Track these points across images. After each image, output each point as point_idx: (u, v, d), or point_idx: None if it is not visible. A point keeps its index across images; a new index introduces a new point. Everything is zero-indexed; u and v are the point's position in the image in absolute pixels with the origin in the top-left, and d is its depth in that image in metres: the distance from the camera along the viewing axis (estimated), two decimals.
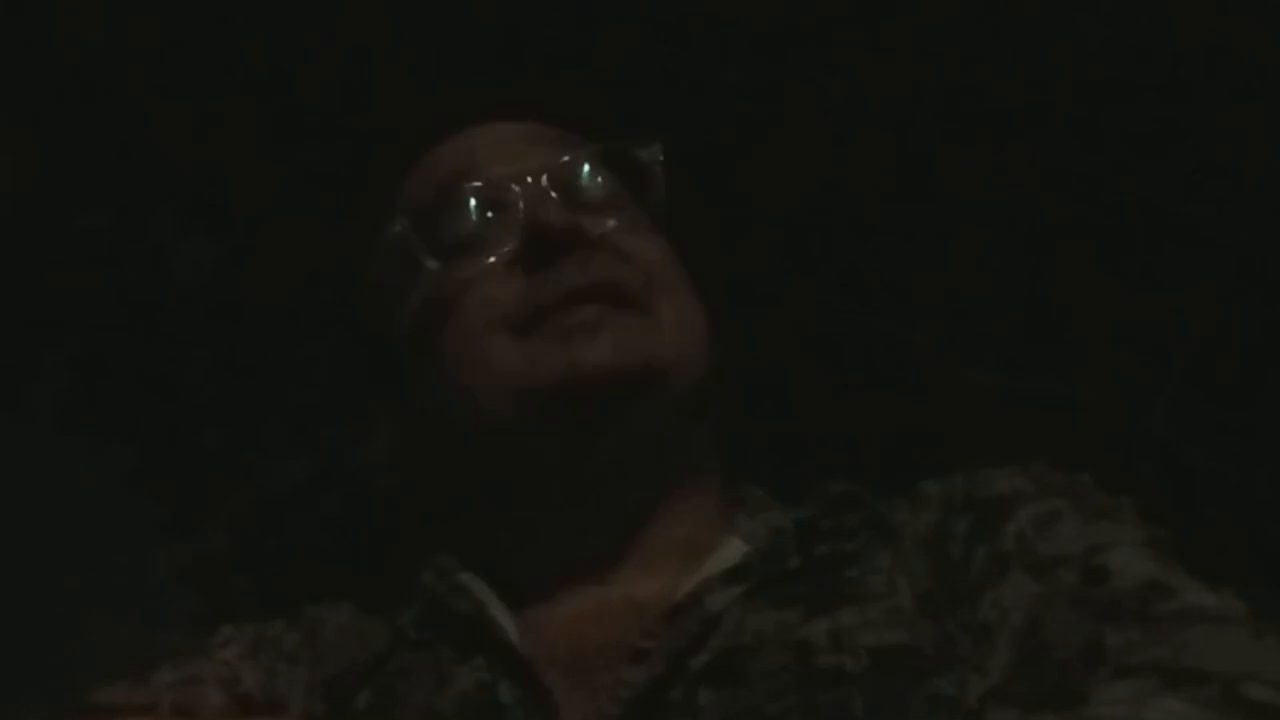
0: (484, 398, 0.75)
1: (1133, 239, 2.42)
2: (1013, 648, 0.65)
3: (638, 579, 0.74)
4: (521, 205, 0.76)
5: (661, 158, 0.82)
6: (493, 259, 0.76)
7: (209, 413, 3.01)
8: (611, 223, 0.78)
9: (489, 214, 0.78)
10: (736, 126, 2.40)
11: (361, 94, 2.50)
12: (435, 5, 2.44)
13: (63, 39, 2.59)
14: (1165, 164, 2.37)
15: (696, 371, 0.76)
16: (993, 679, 0.64)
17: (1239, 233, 2.36)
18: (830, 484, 0.78)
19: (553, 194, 0.77)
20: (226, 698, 0.74)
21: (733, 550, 0.74)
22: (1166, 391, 2.40)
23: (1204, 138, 2.36)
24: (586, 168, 0.80)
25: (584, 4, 2.44)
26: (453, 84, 2.36)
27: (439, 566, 0.76)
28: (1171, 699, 0.58)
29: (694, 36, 2.44)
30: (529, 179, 0.77)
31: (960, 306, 2.50)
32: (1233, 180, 2.36)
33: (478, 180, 0.78)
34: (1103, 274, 2.42)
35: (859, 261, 2.51)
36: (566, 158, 0.79)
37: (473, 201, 0.78)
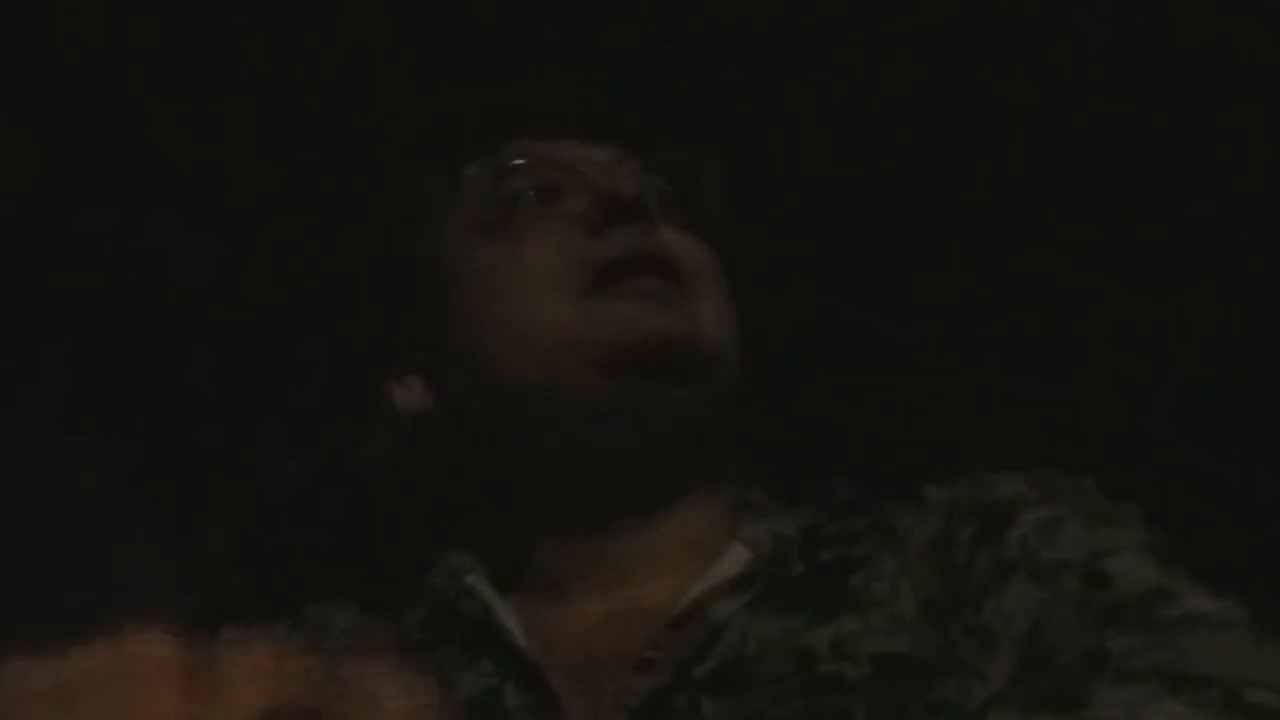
0: (532, 353, 0.75)
1: (1133, 239, 2.42)
2: (1015, 653, 0.65)
3: (644, 582, 0.74)
4: (590, 176, 0.77)
5: (718, 174, 0.83)
6: (557, 220, 0.77)
7: (209, 413, 3.01)
8: (669, 219, 0.78)
9: (556, 182, 0.78)
10: (736, 126, 2.40)
11: (362, 94, 2.50)
12: (436, 5, 2.44)
13: (63, 39, 2.59)
14: (1165, 164, 2.37)
15: (731, 370, 0.77)
16: (994, 685, 0.64)
17: (1239, 233, 2.36)
18: (835, 488, 0.79)
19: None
20: None
21: (737, 557, 0.74)
22: (1166, 391, 2.40)
23: (1204, 138, 2.36)
24: (654, 165, 0.81)
25: (584, 4, 2.44)
26: (453, 84, 2.36)
27: (448, 568, 0.76)
28: (1173, 703, 0.58)
29: (694, 36, 2.44)
30: (598, 160, 0.78)
31: (960, 306, 2.50)
32: (1233, 180, 2.36)
33: (545, 159, 0.79)
34: (1103, 274, 2.42)
35: (859, 261, 2.51)
36: (631, 158, 0.80)
37: (537, 169, 0.79)
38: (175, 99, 2.57)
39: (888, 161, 2.43)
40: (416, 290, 0.82)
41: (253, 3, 2.51)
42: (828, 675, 0.65)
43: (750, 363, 0.81)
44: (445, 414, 0.80)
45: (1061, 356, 2.47)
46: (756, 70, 2.44)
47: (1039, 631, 0.65)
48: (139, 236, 2.84)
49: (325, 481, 3.03)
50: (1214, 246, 2.38)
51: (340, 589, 0.83)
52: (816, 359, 2.48)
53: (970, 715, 0.63)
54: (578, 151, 0.79)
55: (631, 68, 2.44)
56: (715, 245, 0.81)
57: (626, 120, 0.87)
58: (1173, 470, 2.36)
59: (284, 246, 2.66)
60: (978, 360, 2.44)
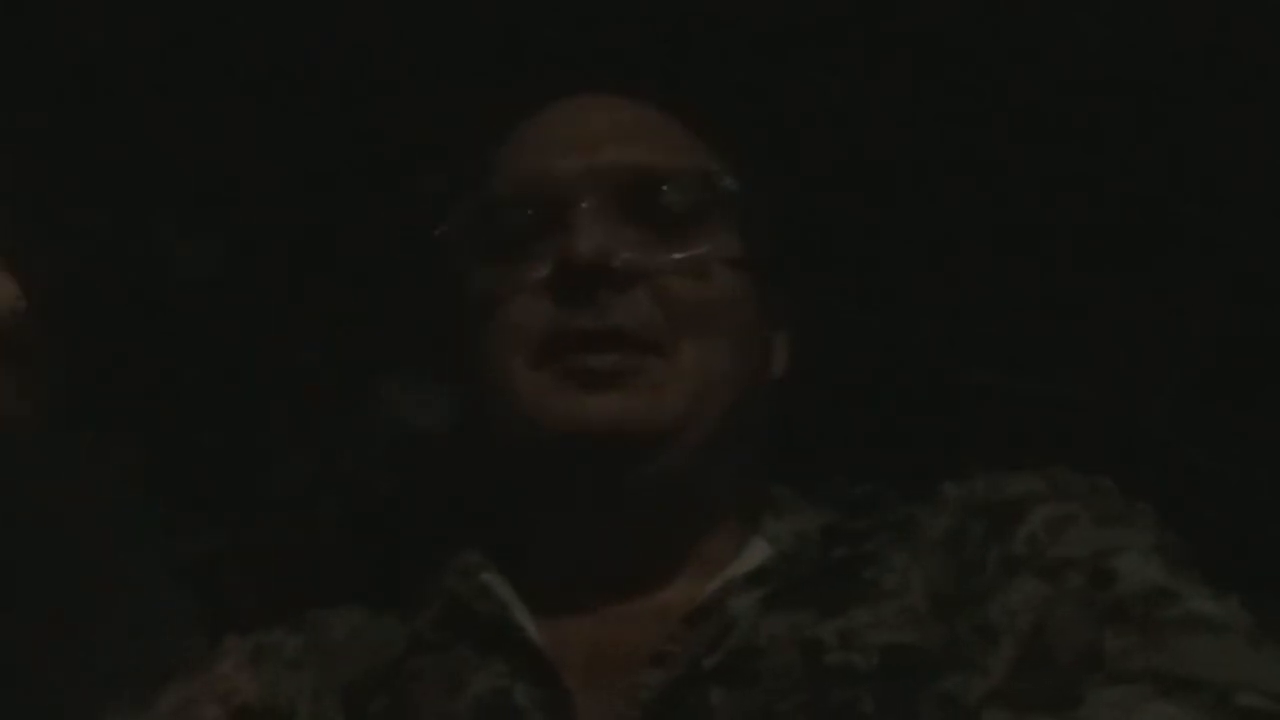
0: (504, 417, 0.76)
1: (1133, 239, 2.42)
2: (1018, 649, 0.65)
3: (660, 585, 0.75)
4: (570, 219, 0.75)
5: (755, 189, 0.82)
6: (531, 274, 0.76)
7: (209, 413, 3.01)
8: (667, 253, 0.76)
9: (544, 217, 0.76)
10: (735, 126, 2.39)
11: (364, 93, 2.50)
12: (437, 4, 2.44)
13: (63, 39, 2.58)
14: (1166, 164, 2.37)
15: (715, 415, 0.76)
16: (995, 680, 0.64)
17: (1239, 233, 2.36)
18: (856, 485, 0.79)
19: (616, 203, 0.75)
20: (222, 712, 0.74)
21: (757, 552, 0.75)
22: (1166, 391, 2.39)
23: (1204, 138, 2.36)
24: (668, 178, 0.78)
25: (585, 4, 2.43)
26: (454, 83, 2.36)
27: (462, 567, 0.77)
28: (1164, 705, 0.58)
29: (694, 36, 2.44)
30: (595, 183, 0.76)
31: (960, 306, 2.50)
32: (1233, 180, 2.36)
33: (545, 174, 0.78)
34: (1103, 274, 2.42)
35: (859, 261, 2.51)
36: (648, 164, 0.77)
37: (529, 205, 0.77)
38: (175, 99, 2.57)
39: (887, 161, 2.43)
40: (428, 295, 0.83)
41: (253, 2, 2.51)
42: (835, 666, 0.66)
43: (777, 371, 0.81)
44: (460, 418, 0.81)
45: (1061, 356, 2.46)
46: (755, 70, 2.43)
47: (1042, 628, 0.65)
48: (139, 236, 2.83)
49: (325, 481, 3.03)
50: (1214, 246, 2.38)
51: (340, 589, 0.83)
52: (815, 359, 2.48)
53: (970, 709, 0.64)
54: (572, 163, 0.78)
55: (631, 68, 2.44)
56: (750, 249, 0.79)
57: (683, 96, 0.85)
58: (1173, 470, 2.36)
59: (284, 246, 2.66)
60: (978, 360, 2.43)
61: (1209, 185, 2.37)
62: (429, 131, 2.19)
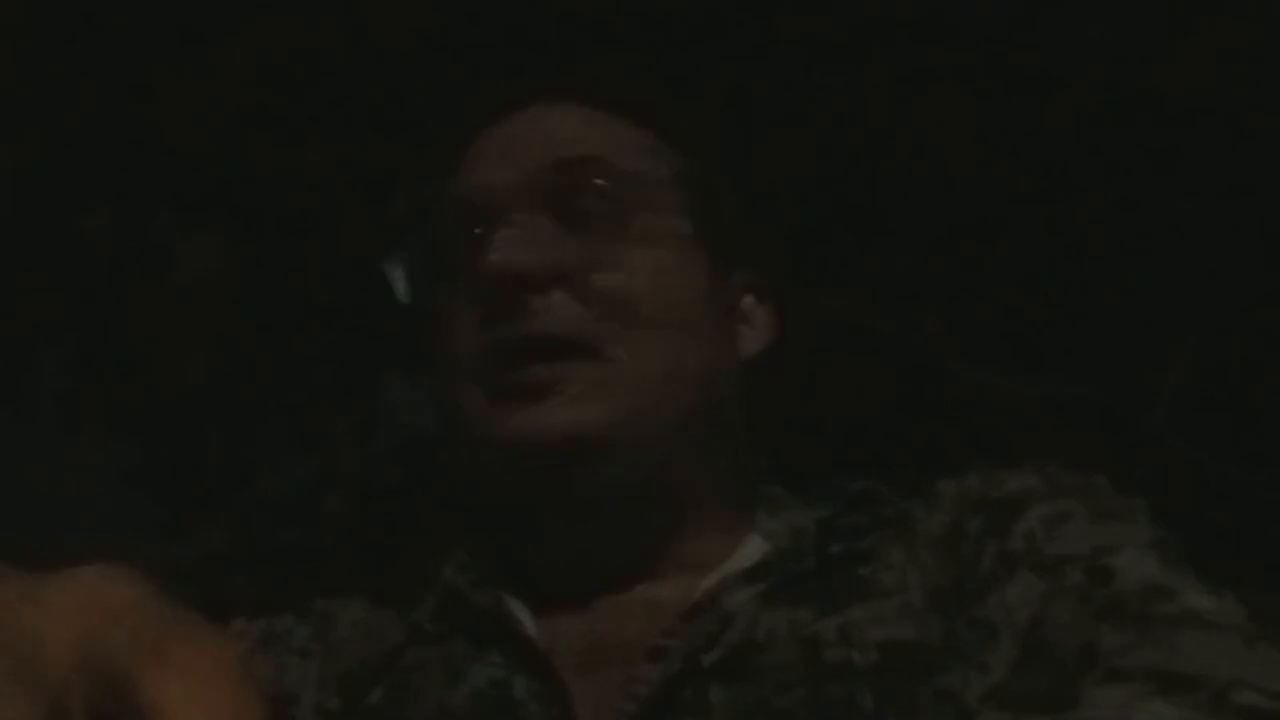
0: (457, 435, 0.76)
1: (1133, 239, 2.42)
2: (1016, 646, 0.65)
3: (653, 580, 0.75)
4: (500, 232, 0.74)
5: (702, 157, 0.81)
6: (466, 293, 0.76)
7: (209, 413, 3.01)
8: (595, 250, 0.75)
9: (484, 234, 0.76)
10: (736, 126, 2.40)
11: (364, 92, 2.50)
12: (439, 4, 2.44)
13: (62, 38, 2.58)
14: (1166, 164, 2.37)
15: (663, 406, 0.74)
16: (994, 677, 0.64)
17: (1239, 233, 2.36)
18: (852, 483, 0.79)
19: (546, 207, 0.75)
20: None
21: (753, 549, 0.75)
22: (1166, 391, 2.40)
23: (1205, 138, 2.36)
24: (598, 170, 0.77)
25: (586, 5, 2.44)
26: (455, 81, 2.36)
27: (460, 560, 0.77)
28: (1161, 703, 0.58)
29: (693, 36, 2.44)
30: (527, 190, 0.76)
31: (960, 306, 2.50)
32: (1233, 180, 2.36)
33: (480, 190, 0.77)
34: (1103, 274, 2.42)
35: (859, 261, 2.51)
36: (576, 156, 0.77)
37: (472, 223, 0.77)
38: (175, 98, 2.57)
39: (887, 161, 2.43)
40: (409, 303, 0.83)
41: (253, 2, 2.51)
42: (834, 662, 0.65)
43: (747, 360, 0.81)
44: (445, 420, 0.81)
45: (1062, 356, 2.47)
46: (754, 71, 2.43)
47: (1039, 624, 0.65)
48: (139, 236, 2.84)
49: (325, 481, 3.03)
50: (1214, 246, 2.38)
51: (339, 589, 0.83)
52: (816, 359, 2.48)
53: (968, 707, 0.63)
54: (505, 175, 0.77)
55: (629, 67, 2.44)
56: (703, 233, 0.79)
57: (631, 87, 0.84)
58: (1173, 470, 2.36)
59: (284, 246, 2.66)
60: (978, 360, 2.44)
61: (1209, 185, 2.37)
62: (428, 132, 2.19)
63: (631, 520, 0.75)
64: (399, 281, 0.79)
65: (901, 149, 2.43)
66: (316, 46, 2.50)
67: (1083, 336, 2.46)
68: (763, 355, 0.82)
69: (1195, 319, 2.39)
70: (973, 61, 2.40)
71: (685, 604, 0.71)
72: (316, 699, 0.74)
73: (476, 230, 0.76)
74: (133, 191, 2.78)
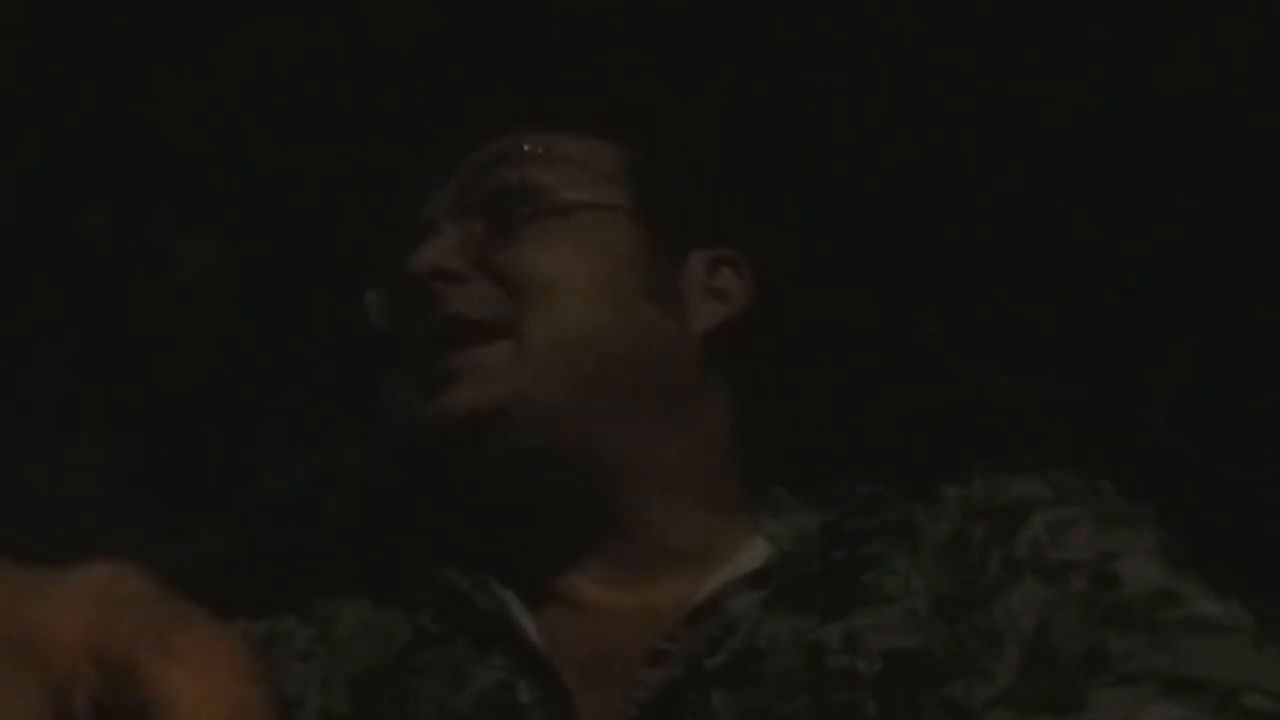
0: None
1: (1133, 239, 2.42)
2: (1021, 652, 0.65)
3: (656, 583, 0.74)
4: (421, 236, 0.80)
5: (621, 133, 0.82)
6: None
7: (209, 413, 3.01)
8: (512, 235, 0.77)
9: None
10: (735, 126, 2.40)
11: (364, 93, 2.50)
12: (438, 5, 2.44)
13: (63, 38, 2.58)
14: (1166, 164, 2.37)
15: (579, 380, 0.75)
16: (1000, 684, 0.64)
17: (1239, 233, 2.36)
18: (857, 486, 0.78)
19: (467, 208, 0.78)
20: None
21: (757, 552, 0.74)
22: (1166, 391, 2.40)
23: (1204, 138, 2.36)
24: (518, 159, 0.79)
25: (586, 5, 2.44)
26: (455, 83, 2.36)
27: (460, 561, 0.77)
28: (1169, 706, 0.58)
29: (693, 36, 2.44)
30: (455, 199, 0.79)
31: (960, 306, 2.50)
32: (1233, 180, 2.36)
33: (421, 217, 0.81)
34: (1103, 274, 2.42)
35: (859, 261, 2.51)
36: (497, 154, 0.80)
37: (408, 240, 0.81)
38: (175, 99, 2.57)
39: (887, 161, 2.43)
40: None
41: (254, 2, 2.51)
42: (838, 669, 0.65)
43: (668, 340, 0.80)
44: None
45: (1062, 356, 2.47)
46: (754, 71, 2.43)
47: (1045, 631, 0.65)
48: (139, 236, 2.83)
49: (325, 481, 3.03)
50: (1214, 247, 2.38)
51: (339, 589, 0.83)
52: (816, 359, 2.48)
53: (973, 714, 0.63)
54: (441, 193, 0.82)
55: (629, 68, 2.44)
56: (645, 209, 0.79)
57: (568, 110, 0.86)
58: (1173, 470, 2.36)
59: (285, 246, 2.66)
60: (978, 360, 2.43)
61: (1209, 185, 2.37)
62: (428, 132, 2.19)
63: (579, 488, 0.75)
64: (374, 311, 0.83)
65: (901, 149, 2.43)
66: (316, 46, 2.50)
67: (1083, 336, 2.46)
68: (734, 324, 0.82)
69: (1195, 319, 2.39)
70: (973, 61, 2.39)
71: (686, 606, 0.70)
72: (322, 703, 0.74)
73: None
74: (133, 191, 2.78)
